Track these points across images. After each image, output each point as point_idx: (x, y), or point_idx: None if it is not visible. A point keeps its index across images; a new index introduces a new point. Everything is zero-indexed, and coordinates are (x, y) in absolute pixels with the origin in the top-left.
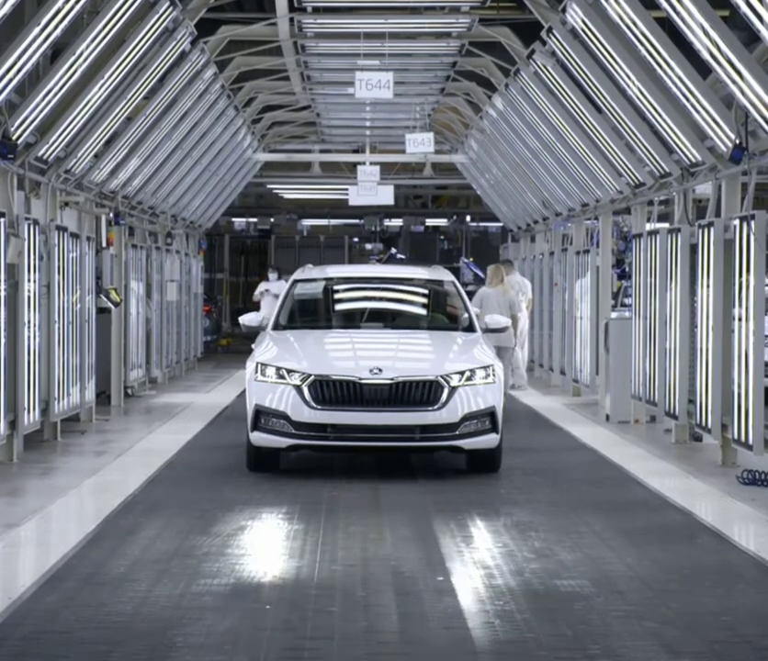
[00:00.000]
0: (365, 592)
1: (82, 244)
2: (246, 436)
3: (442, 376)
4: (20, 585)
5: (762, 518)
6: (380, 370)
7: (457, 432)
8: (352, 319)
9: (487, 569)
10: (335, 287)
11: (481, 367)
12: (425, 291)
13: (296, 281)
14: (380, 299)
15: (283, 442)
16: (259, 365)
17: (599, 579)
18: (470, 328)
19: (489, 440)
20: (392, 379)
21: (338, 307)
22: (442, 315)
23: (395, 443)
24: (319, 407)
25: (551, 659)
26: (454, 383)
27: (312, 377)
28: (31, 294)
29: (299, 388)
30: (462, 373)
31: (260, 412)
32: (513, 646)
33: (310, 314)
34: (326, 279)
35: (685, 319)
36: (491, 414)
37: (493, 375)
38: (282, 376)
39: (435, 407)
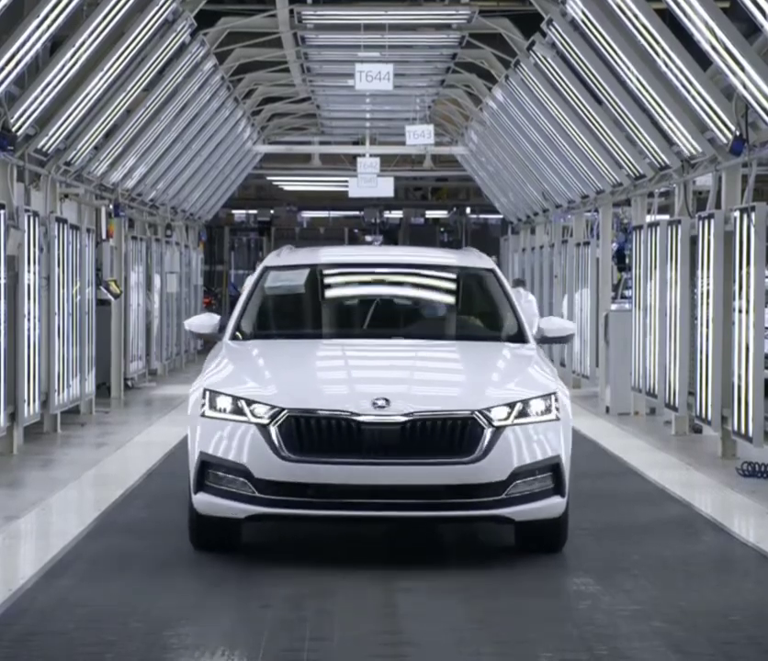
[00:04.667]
0: None
1: (82, 236)
2: (188, 498)
3: (481, 411)
4: (20, 577)
5: (763, 510)
6: (388, 401)
7: (503, 496)
8: (348, 325)
9: (489, 570)
10: (325, 278)
11: (539, 396)
12: (455, 284)
13: (267, 269)
14: (390, 296)
15: (241, 509)
16: (207, 394)
17: (603, 577)
18: (519, 337)
19: (551, 506)
20: (406, 416)
21: (328, 306)
22: (478, 318)
23: (411, 513)
24: (295, 457)
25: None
26: (499, 421)
27: (286, 413)
28: (31, 286)
29: (265, 429)
30: (511, 405)
31: (207, 464)
32: (518, 647)
33: (285, 317)
34: (312, 266)
35: (685, 311)
36: (553, 467)
37: (556, 407)
38: (240, 411)
39: (471, 457)
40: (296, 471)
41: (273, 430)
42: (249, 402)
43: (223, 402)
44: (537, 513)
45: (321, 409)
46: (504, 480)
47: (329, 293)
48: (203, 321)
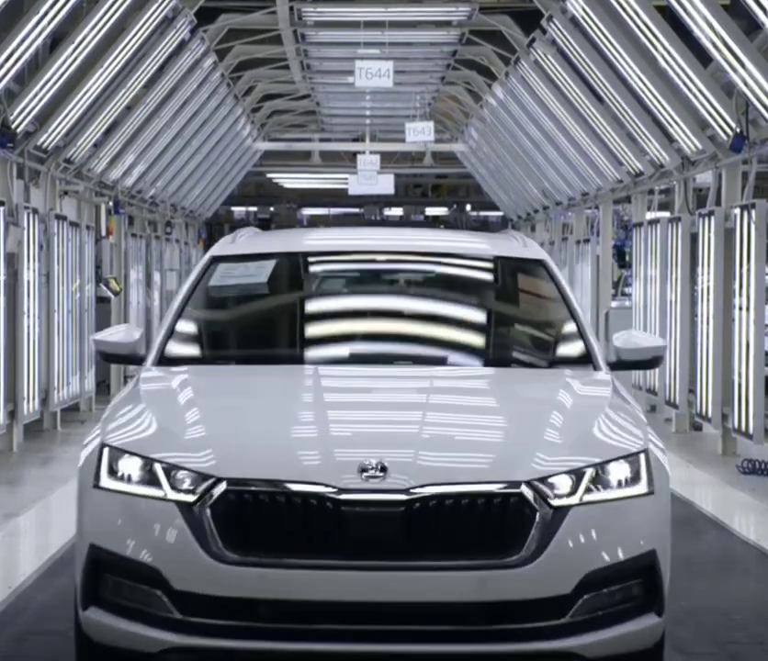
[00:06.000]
0: None
1: (81, 233)
2: (74, 612)
3: (530, 484)
4: (20, 575)
5: (763, 508)
6: (385, 469)
7: (567, 618)
8: (328, 344)
9: None
10: (300, 274)
11: (621, 458)
12: (489, 283)
13: (215, 260)
14: (394, 299)
15: (153, 639)
16: (106, 452)
17: None
18: (585, 360)
19: (640, 630)
20: (413, 493)
21: (301, 316)
22: (524, 333)
23: (423, 648)
24: (239, 557)
25: None
26: (559, 499)
27: (224, 485)
28: (31, 283)
29: (192, 511)
30: (577, 473)
31: (102, 565)
32: None
33: (236, 333)
34: (281, 257)
35: (686, 309)
36: (646, 570)
37: (648, 473)
38: (154, 480)
39: (516, 558)
40: (239, 580)
41: (204, 512)
42: (168, 467)
43: (129, 466)
44: (619, 644)
45: (281, 481)
46: (569, 594)
47: (303, 296)
48: (118, 337)
